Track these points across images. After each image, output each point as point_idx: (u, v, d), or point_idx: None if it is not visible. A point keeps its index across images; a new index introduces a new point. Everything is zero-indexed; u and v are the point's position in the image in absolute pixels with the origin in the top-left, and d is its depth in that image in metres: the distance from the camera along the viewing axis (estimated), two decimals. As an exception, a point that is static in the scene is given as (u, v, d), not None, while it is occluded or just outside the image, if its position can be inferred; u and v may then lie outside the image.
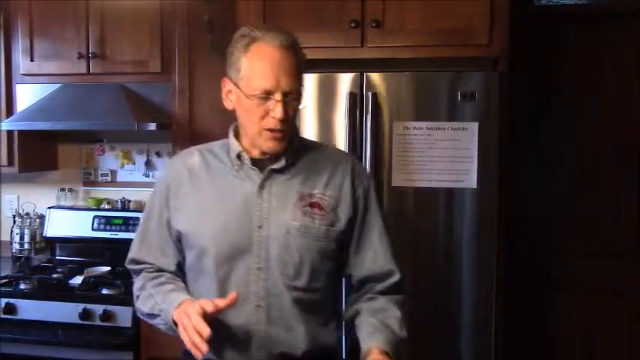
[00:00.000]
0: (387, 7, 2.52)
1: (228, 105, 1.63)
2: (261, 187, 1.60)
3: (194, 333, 1.40)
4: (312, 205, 1.59)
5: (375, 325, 1.58)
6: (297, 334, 1.58)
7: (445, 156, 2.41)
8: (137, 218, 3.24)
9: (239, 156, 1.62)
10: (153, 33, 3.00)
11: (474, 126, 2.39)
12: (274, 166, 1.60)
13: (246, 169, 1.62)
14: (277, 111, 1.52)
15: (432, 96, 2.44)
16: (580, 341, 3.05)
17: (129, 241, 3.25)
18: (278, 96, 1.51)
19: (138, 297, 1.70)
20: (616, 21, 2.98)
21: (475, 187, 2.40)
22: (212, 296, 1.56)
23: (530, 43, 2.96)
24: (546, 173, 3.08)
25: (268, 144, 1.57)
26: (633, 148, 3.00)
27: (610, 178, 3.03)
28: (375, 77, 2.46)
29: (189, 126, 2.98)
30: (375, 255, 1.66)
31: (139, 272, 1.73)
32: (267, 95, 1.52)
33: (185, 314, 1.44)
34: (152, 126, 2.94)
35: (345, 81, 2.48)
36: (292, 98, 1.54)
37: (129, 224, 3.26)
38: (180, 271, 1.69)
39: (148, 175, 3.43)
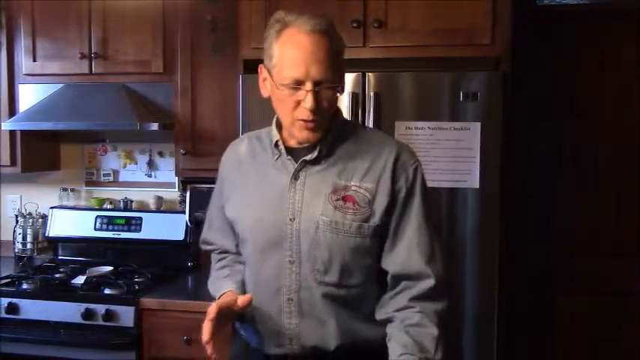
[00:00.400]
0: (389, 7, 2.52)
1: (264, 93, 1.58)
2: (295, 177, 1.56)
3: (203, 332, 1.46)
4: (345, 199, 1.52)
5: (407, 346, 1.47)
6: (329, 329, 1.55)
7: (447, 156, 2.41)
8: (139, 218, 3.26)
9: (276, 145, 1.60)
10: (155, 33, 3.00)
11: (476, 126, 2.39)
12: (307, 157, 1.55)
13: (284, 158, 1.59)
14: (308, 101, 1.46)
15: (434, 96, 2.44)
16: (582, 341, 3.05)
17: (131, 241, 3.30)
18: (308, 85, 1.46)
19: (209, 278, 1.80)
20: (618, 21, 2.98)
21: (477, 187, 2.40)
22: (250, 285, 1.65)
23: (533, 42, 2.96)
24: (548, 173, 3.08)
25: (302, 134, 1.53)
26: (634, 148, 3.00)
27: (611, 178, 3.02)
28: (377, 77, 2.46)
29: (192, 126, 2.98)
30: (409, 252, 1.53)
31: (210, 252, 1.84)
32: (297, 85, 1.46)
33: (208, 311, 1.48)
34: (154, 126, 2.94)
35: (347, 81, 2.47)
36: (325, 87, 1.47)
37: (131, 224, 3.26)
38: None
39: (150, 175, 3.44)
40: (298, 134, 1.53)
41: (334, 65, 1.48)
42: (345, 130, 1.61)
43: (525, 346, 3.06)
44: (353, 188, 1.53)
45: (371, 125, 2.43)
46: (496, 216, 2.42)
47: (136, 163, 3.46)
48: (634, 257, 3.01)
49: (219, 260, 1.79)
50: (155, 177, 3.43)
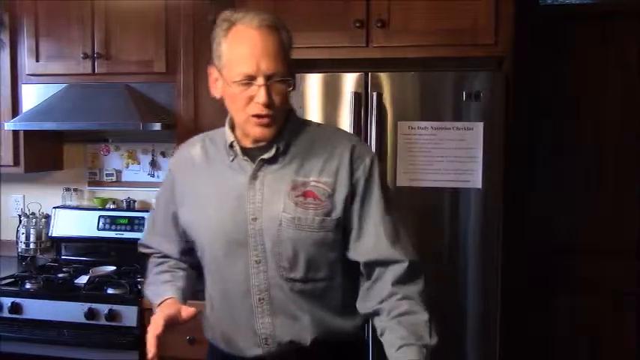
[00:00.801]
0: (392, 6, 2.51)
1: (216, 94, 1.57)
2: (254, 177, 1.54)
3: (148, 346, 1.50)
4: (305, 194, 1.52)
5: (404, 338, 1.46)
6: (303, 323, 1.55)
7: (450, 156, 2.41)
8: (142, 218, 3.26)
9: (231, 146, 1.58)
10: (158, 33, 3.00)
11: (479, 126, 2.39)
12: (264, 156, 1.54)
13: (239, 159, 1.57)
14: (260, 95, 1.44)
15: (437, 96, 2.44)
16: (584, 341, 3.05)
17: (134, 241, 3.25)
18: (260, 80, 1.44)
19: (145, 281, 1.78)
20: (621, 20, 2.97)
21: (480, 187, 2.40)
22: (215, 290, 1.63)
23: (536, 42, 2.95)
24: (551, 173, 3.07)
25: (256, 130, 1.50)
26: (636, 149, 2.99)
27: (613, 178, 3.01)
28: (380, 77, 2.46)
29: (194, 126, 2.98)
30: (376, 239, 1.54)
31: (148, 256, 1.80)
32: (249, 80, 1.45)
33: (151, 322, 1.51)
34: (157, 126, 2.95)
35: (349, 81, 2.47)
36: (277, 81, 1.46)
37: (134, 224, 3.27)
38: (185, 256, 1.73)
39: (153, 175, 3.44)
40: (252, 131, 1.51)
41: (284, 59, 1.48)
42: (298, 127, 1.60)
43: (528, 346, 3.05)
44: (312, 183, 1.53)
45: (374, 125, 2.43)
46: (498, 216, 2.41)
47: (139, 163, 3.47)
48: (635, 257, 3.00)
49: (159, 264, 1.75)
50: (158, 177, 3.43)
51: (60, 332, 2.71)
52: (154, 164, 3.44)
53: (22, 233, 3.43)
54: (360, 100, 2.46)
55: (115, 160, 3.50)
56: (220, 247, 1.56)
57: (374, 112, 2.44)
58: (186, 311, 1.52)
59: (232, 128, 1.60)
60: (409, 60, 2.54)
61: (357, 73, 2.47)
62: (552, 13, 3.02)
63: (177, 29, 2.98)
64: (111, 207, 3.41)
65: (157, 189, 3.35)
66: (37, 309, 2.76)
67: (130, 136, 3.42)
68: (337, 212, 1.53)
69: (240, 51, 1.46)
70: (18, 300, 2.77)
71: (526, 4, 2.83)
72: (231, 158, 1.58)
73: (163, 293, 1.62)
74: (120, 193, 3.47)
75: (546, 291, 3.07)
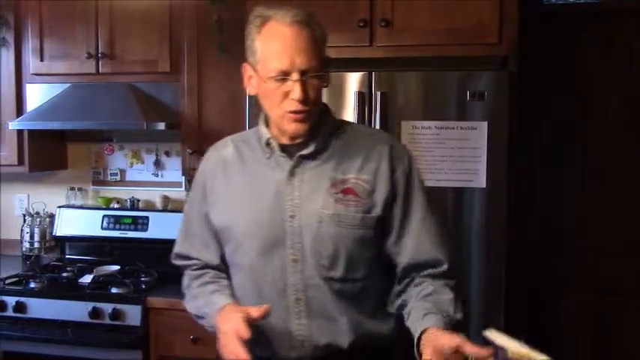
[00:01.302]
0: (396, 6, 2.51)
1: (250, 91, 1.57)
2: (292, 174, 1.54)
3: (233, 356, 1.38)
4: (345, 191, 1.52)
5: (428, 308, 1.46)
6: (341, 325, 1.52)
7: (454, 155, 2.40)
8: (146, 217, 3.26)
9: (268, 143, 1.57)
10: (162, 33, 3.01)
11: (483, 125, 2.39)
12: (303, 152, 1.54)
13: (277, 156, 1.56)
14: (296, 91, 1.45)
15: (440, 95, 2.43)
16: (588, 340, 3.04)
17: (138, 240, 3.30)
18: (295, 76, 1.45)
19: (184, 295, 1.71)
20: (626, 20, 2.96)
21: (484, 186, 2.40)
22: (249, 291, 1.57)
23: (540, 42, 2.95)
24: (554, 173, 3.06)
25: (291, 126, 1.50)
26: (642, 148, 2.99)
27: (617, 178, 3.01)
28: (384, 76, 2.46)
29: (198, 125, 2.99)
30: (418, 242, 1.54)
31: (184, 268, 1.72)
32: (283, 76, 1.45)
33: (224, 332, 1.43)
34: (161, 125, 2.95)
35: (353, 80, 2.47)
36: (311, 76, 1.46)
37: (138, 223, 3.27)
38: (224, 265, 1.67)
39: (157, 175, 3.44)
40: (288, 127, 1.51)
41: (318, 54, 1.48)
42: (335, 125, 1.61)
43: (533, 345, 3.04)
44: (352, 181, 1.53)
45: (378, 125, 2.43)
46: (502, 215, 2.41)
47: (143, 163, 3.47)
48: (639, 256, 2.99)
49: (199, 277, 1.67)
50: (162, 176, 3.44)
51: (64, 331, 2.72)
52: (157, 164, 3.44)
53: (27, 232, 3.44)
54: (364, 100, 2.45)
55: (119, 160, 3.50)
56: (257, 246, 1.54)
57: (378, 112, 2.44)
58: (259, 311, 1.43)
59: (267, 125, 1.59)
60: (413, 59, 2.54)
61: (361, 73, 2.47)
62: (557, 13, 3.02)
63: (182, 29, 2.98)
64: (115, 206, 3.41)
65: (161, 188, 3.44)
66: (41, 308, 2.76)
67: (134, 136, 3.42)
68: (377, 210, 1.53)
69: (273, 47, 1.46)
70: (22, 299, 2.77)
71: (530, 4, 2.82)
72: (267, 156, 1.57)
73: (218, 301, 1.55)
74: (124, 193, 3.47)
75: (550, 290, 3.06)
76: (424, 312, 1.45)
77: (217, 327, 1.49)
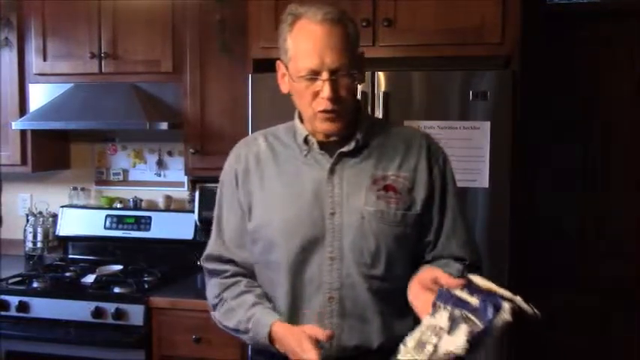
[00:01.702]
0: (399, 6, 2.51)
1: (284, 89, 1.56)
2: (332, 171, 1.52)
3: None
4: (386, 188, 1.51)
5: (433, 265, 1.50)
6: (373, 327, 1.51)
7: (457, 155, 2.39)
8: (149, 217, 3.27)
9: (306, 140, 1.55)
10: (165, 33, 3.01)
11: (486, 125, 2.38)
12: (344, 149, 1.52)
13: (315, 153, 1.54)
14: (325, 91, 1.43)
15: (443, 95, 2.43)
16: (594, 341, 3.03)
17: (141, 240, 3.31)
18: (325, 75, 1.43)
19: (215, 306, 1.62)
20: (629, 20, 2.96)
21: (487, 186, 2.39)
22: (283, 289, 1.52)
23: (543, 41, 2.94)
24: (557, 173, 3.06)
25: (323, 126, 1.49)
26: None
27: (621, 178, 3.00)
28: (387, 76, 2.45)
29: (201, 125, 2.99)
30: (446, 242, 1.56)
31: (213, 274, 1.64)
32: (313, 75, 1.44)
33: (293, 353, 1.40)
34: (164, 125, 2.95)
35: (356, 80, 2.47)
36: (342, 75, 1.45)
37: (141, 223, 3.27)
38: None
39: (159, 175, 3.45)
40: (319, 126, 1.50)
41: (350, 52, 1.46)
42: (370, 122, 1.60)
43: (536, 347, 3.04)
44: (392, 177, 1.52)
45: (380, 124, 2.42)
46: (505, 215, 2.40)
47: (146, 163, 3.47)
48: (640, 256, 3.00)
49: (230, 287, 1.59)
50: (164, 176, 3.44)
51: (67, 331, 2.72)
52: (160, 164, 3.44)
53: (30, 232, 3.44)
54: (367, 100, 2.45)
55: (121, 160, 3.50)
56: (297, 244, 1.51)
57: (380, 112, 2.43)
58: (325, 334, 1.37)
59: (301, 122, 1.59)
60: (416, 59, 2.54)
61: (365, 73, 2.46)
62: (559, 12, 3.01)
63: (184, 29, 2.98)
64: (118, 206, 3.41)
65: (164, 188, 3.44)
66: (44, 308, 2.77)
67: (136, 136, 3.43)
68: (417, 208, 1.53)
69: (304, 46, 1.45)
70: (25, 299, 2.77)
71: (533, 3, 2.82)
72: (305, 153, 1.55)
73: (265, 319, 1.48)
74: (127, 193, 3.47)
75: (551, 290, 3.06)
76: (427, 267, 1.49)
77: (265, 344, 1.46)
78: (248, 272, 1.62)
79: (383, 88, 2.45)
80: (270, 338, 1.45)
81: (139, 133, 3.35)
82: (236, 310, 1.55)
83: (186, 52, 2.98)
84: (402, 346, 1.31)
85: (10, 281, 2.91)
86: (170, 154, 3.43)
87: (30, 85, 3.23)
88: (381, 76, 2.45)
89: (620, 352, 3.03)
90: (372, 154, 1.55)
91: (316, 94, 1.46)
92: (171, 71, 3.02)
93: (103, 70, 3.09)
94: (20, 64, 3.22)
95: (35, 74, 3.20)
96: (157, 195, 3.41)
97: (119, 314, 2.68)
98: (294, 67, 1.47)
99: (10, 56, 3.21)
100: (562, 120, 3.04)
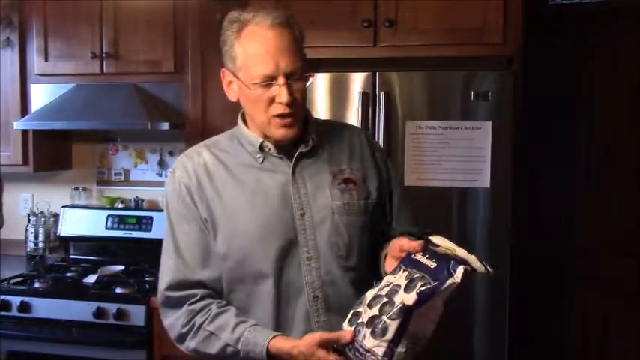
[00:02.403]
0: (400, 6, 2.51)
1: (231, 96, 1.55)
2: (293, 173, 1.52)
3: None
4: (346, 181, 1.54)
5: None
6: None
7: (458, 155, 2.40)
8: (150, 217, 3.26)
9: (261, 146, 1.53)
10: (166, 33, 3.01)
11: (488, 125, 2.38)
12: (302, 150, 1.53)
13: (271, 159, 1.53)
14: (283, 95, 1.42)
15: (445, 95, 2.43)
16: (595, 342, 3.03)
17: (142, 240, 3.30)
18: (281, 80, 1.42)
19: (184, 336, 1.51)
20: (630, 20, 2.96)
21: (488, 186, 2.39)
22: (265, 299, 1.49)
23: (545, 42, 2.94)
24: (559, 173, 3.06)
25: (279, 132, 1.48)
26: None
27: (623, 178, 3.00)
28: (388, 76, 2.46)
29: (202, 125, 2.99)
30: (396, 219, 1.63)
31: (178, 304, 1.51)
32: (268, 81, 1.43)
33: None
34: (165, 125, 2.95)
35: (357, 80, 2.47)
36: (296, 79, 1.45)
37: (142, 223, 3.27)
38: (220, 283, 1.53)
39: (161, 175, 3.45)
40: (275, 133, 1.48)
41: (300, 55, 1.47)
42: (315, 122, 1.62)
43: (538, 347, 3.04)
44: (347, 171, 1.56)
45: (382, 125, 2.43)
46: (507, 216, 2.41)
47: (147, 163, 3.48)
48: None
49: (201, 310, 1.48)
50: (166, 176, 3.43)
51: (68, 331, 2.72)
52: (162, 164, 3.44)
53: (31, 232, 3.44)
54: (368, 100, 2.45)
55: (123, 160, 3.51)
56: (273, 251, 1.48)
57: (382, 112, 2.43)
58: (346, 335, 1.33)
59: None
60: (417, 59, 2.54)
61: (365, 73, 2.46)
62: (561, 13, 3.01)
63: (186, 29, 2.98)
64: (119, 206, 3.42)
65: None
66: (45, 308, 2.77)
67: (138, 136, 3.43)
68: (374, 196, 1.58)
69: (255, 52, 1.43)
70: (27, 299, 2.77)
71: (535, 4, 2.82)
72: (260, 159, 1.53)
73: (257, 336, 1.41)
74: (128, 193, 3.48)
75: (555, 290, 3.06)
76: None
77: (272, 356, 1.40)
78: (216, 293, 1.52)
79: (384, 88, 2.45)
80: (269, 355, 1.40)
81: (140, 133, 3.36)
82: (217, 335, 1.46)
83: (188, 52, 2.99)
84: (360, 300, 1.36)
85: (12, 281, 2.91)
86: (171, 154, 3.43)
87: (31, 85, 3.24)
88: (382, 76, 2.46)
89: (620, 352, 3.02)
90: (324, 152, 1.57)
91: (272, 100, 1.44)
92: (173, 71, 3.02)
93: (104, 71, 3.09)
94: (22, 64, 3.22)
95: (37, 74, 3.20)
96: (159, 195, 3.41)
97: (120, 314, 2.68)
98: (246, 74, 1.45)
99: (11, 56, 3.22)
100: (563, 120, 3.04)
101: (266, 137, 1.53)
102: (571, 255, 3.05)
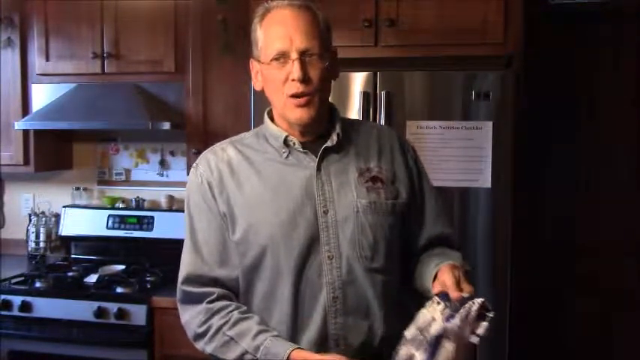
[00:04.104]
0: (401, 6, 2.51)
1: (257, 86, 1.54)
2: (319, 169, 1.50)
3: None
4: (373, 179, 1.51)
5: (439, 255, 1.52)
6: (376, 322, 1.48)
7: (459, 155, 2.40)
8: (151, 217, 3.27)
9: (286, 141, 1.51)
10: (167, 33, 3.01)
11: (488, 125, 2.38)
12: (328, 144, 1.51)
13: (296, 153, 1.51)
14: (295, 71, 1.42)
15: (445, 95, 2.43)
16: (595, 342, 3.03)
17: (143, 240, 3.31)
18: (294, 54, 1.42)
19: (201, 336, 1.49)
20: (632, 20, 2.96)
21: (489, 186, 2.39)
22: (283, 298, 1.46)
23: (546, 41, 2.94)
24: (560, 173, 3.06)
25: (295, 113, 1.46)
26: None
27: (625, 178, 3.00)
28: (389, 76, 2.46)
29: (203, 125, 2.99)
30: (436, 218, 1.60)
31: (194, 299, 1.50)
32: (282, 56, 1.43)
33: None
34: (166, 125, 2.96)
35: (358, 80, 2.47)
36: (313, 58, 1.44)
37: (143, 223, 3.28)
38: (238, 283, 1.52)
39: (162, 175, 3.45)
40: (291, 115, 1.47)
41: (319, 37, 1.46)
42: (344, 121, 1.60)
43: (539, 347, 3.04)
44: (376, 169, 1.53)
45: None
46: (508, 216, 2.41)
47: (148, 163, 3.48)
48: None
49: (220, 311, 1.47)
50: (167, 176, 3.45)
51: (69, 331, 2.73)
52: (163, 164, 3.44)
53: (32, 232, 3.45)
54: (369, 100, 2.45)
55: (124, 160, 3.51)
56: (295, 248, 1.45)
57: (383, 112, 2.43)
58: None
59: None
60: (418, 59, 2.54)
61: (366, 73, 2.46)
62: (562, 12, 3.01)
63: (187, 29, 2.99)
64: (120, 206, 3.42)
65: (166, 188, 3.45)
66: (46, 307, 2.77)
67: (139, 136, 3.43)
68: (403, 196, 1.55)
69: (273, 31, 1.46)
70: (28, 298, 2.78)
71: (535, 3, 2.82)
72: (285, 154, 1.51)
73: (278, 347, 1.38)
74: (129, 193, 3.48)
75: (556, 290, 3.06)
76: (436, 262, 1.48)
77: None
78: (234, 293, 1.51)
79: (385, 88, 2.45)
80: None
81: (141, 133, 3.36)
82: (236, 341, 1.43)
83: (189, 52, 2.99)
84: (404, 336, 1.36)
85: (13, 281, 2.91)
86: (172, 154, 3.43)
87: (32, 85, 3.24)
88: (383, 76, 2.46)
89: (620, 353, 3.02)
90: (352, 149, 1.54)
91: (287, 79, 1.44)
92: (174, 71, 3.02)
93: (105, 70, 3.09)
94: (23, 64, 3.23)
95: (38, 74, 3.20)
96: (160, 195, 3.42)
97: (121, 314, 2.69)
98: (265, 54, 1.47)
99: (12, 56, 3.22)
100: (564, 120, 3.04)
101: (290, 127, 1.51)
102: (571, 255, 3.05)
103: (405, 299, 1.57)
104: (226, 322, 1.45)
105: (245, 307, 1.49)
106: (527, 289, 2.78)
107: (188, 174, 3.18)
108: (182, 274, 1.54)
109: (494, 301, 2.40)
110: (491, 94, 2.38)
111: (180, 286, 1.53)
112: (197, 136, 3.00)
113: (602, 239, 3.02)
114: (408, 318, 1.39)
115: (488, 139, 2.38)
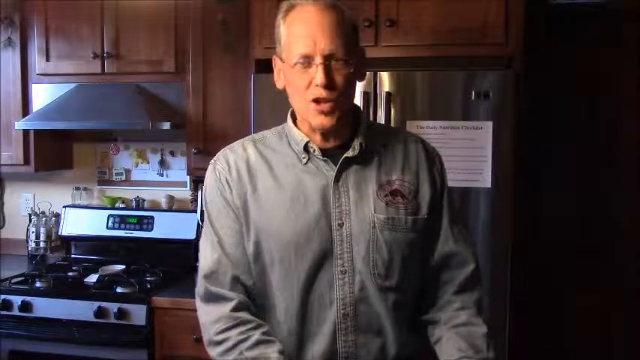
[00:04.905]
0: (401, 6, 2.51)
1: (279, 84, 1.47)
2: (337, 179, 1.43)
3: None
4: (393, 193, 1.43)
5: (462, 349, 1.41)
6: (388, 341, 1.43)
7: (459, 155, 2.40)
8: (151, 217, 3.27)
9: (306, 147, 1.45)
10: (167, 33, 3.01)
11: (489, 125, 2.38)
12: (349, 154, 1.43)
13: (317, 161, 1.44)
14: (318, 76, 1.34)
15: (446, 95, 2.43)
16: (596, 342, 3.03)
17: (143, 240, 3.31)
18: (318, 59, 1.34)
19: (217, 344, 1.42)
20: (633, 20, 2.95)
21: (489, 186, 2.39)
22: (292, 311, 1.42)
23: (547, 41, 2.94)
24: (562, 172, 3.06)
25: (316, 120, 1.39)
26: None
27: (626, 178, 3.00)
28: (389, 76, 2.46)
29: (203, 125, 2.99)
30: (452, 238, 1.50)
31: (213, 299, 1.44)
32: (306, 60, 1.36)
33: None
34: (166, 125, 2.96)
35: (358, 80, 2.47)
36: (339, 63, 1.36)
37: (143, 223, 3.28)
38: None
39: (161, 175, 3.45)
40: (313, 121, 1.40)
41: (345, 40, 1.38)
42: (368, 125, 1.52)
43: (539, 347, 3.04)
44: (397, 182, 1.45)
45: (382, 124, 2.42)
46: (508, 215, 2.40)
47: (148, 163, 3.48)
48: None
49: (240, 325, 1.39)
50: (167, 176, 3.45)
51: (69, 330, 2.72)
52: (163, 163, 3.45)
53: (32, 232, 3.45)
54: (369, 100, 2.45)
55: (124, 160, 3.51)
56: (307, 261, 1.40)
57: (383, 112, 2.43)
58: None
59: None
60: (418, 59, 2.54)
61: (366, 73, 2.46)
62: (563, 12, 3.01)
63: (187, 29, 2.98)
64: (120, 206, 3.42)
65: (166, 188, 3.45)
66: (46, 307, 2.77)
67: (139, 136, 3.43)
68: (424, 212, 1.46)
69: (296, 30, 1.39)
70: (28, 298, 2.78)
71: (536, 3, 2.82)
72: (305, 160, 1.45)
73: None
74: (129, 193, 3.48)
75: (556, 290, 3.06)
76: (459, 354, 1.41)
77: None
78: (251, 301, 1.45)
79: (385, 88, 2.45)
80: None
81: (141, 133, 3.36)
82: None
83: (189, 52, 2.99)
84: None
85: (13, 281, 2.91)
86: (172, 154, 3.43)
87: (33, 85, 3.24)
88: (383, 76, 2.46)
89: (620, 353, 3.02)
90: (374, 159, 1.46)
91: (310, 83, 1.37)
92: (174, 71, 3.02)
93: (105, 70, 3.09)
94: (23, 64, 3.23)
95: (38, 74, 3.20)
96: (160, 195, 3.42)
97: (122, 314, 2.68)
98: (288, 54, 1.40)
99: (12, 56, 3.22)
100: (564, 120, 3.03)
101: (310, 133, 1.46)
102: (571, 255, 3.05)
103: (417, 319, 1.54)
104: (246, 339, 1.38)
105: (267, 327, 1.42)
106: (527, 289, 2.77)
107: (187, 174, 3.19)
108: (204, 269, 1.46)
109: (494, 301, 2.41)
110: (491, 94, 2.38)
111: (201, 280, 1.46)
112: (197, 136, 3.00)
113: (602, 239, 3.02)
114: (421, 337, 1.38)
115: (489, 139, 2.38)
